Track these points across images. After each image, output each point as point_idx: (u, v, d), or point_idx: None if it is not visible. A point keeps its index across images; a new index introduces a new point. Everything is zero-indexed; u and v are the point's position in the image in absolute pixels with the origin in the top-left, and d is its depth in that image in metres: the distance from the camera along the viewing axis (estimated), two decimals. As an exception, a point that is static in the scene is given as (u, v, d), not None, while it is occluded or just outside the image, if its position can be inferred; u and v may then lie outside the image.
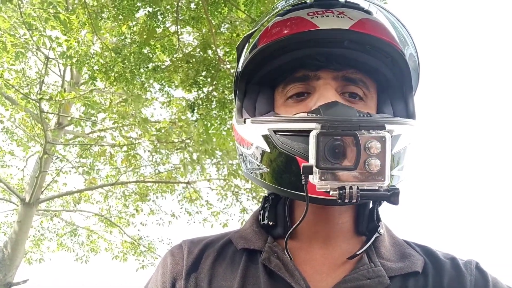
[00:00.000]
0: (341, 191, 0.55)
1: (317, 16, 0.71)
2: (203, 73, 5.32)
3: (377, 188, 0.55)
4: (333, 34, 0.70)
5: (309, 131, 0.58)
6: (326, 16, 0.70)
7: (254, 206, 7.41)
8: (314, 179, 0.56)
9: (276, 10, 0.77)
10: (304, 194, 0.59)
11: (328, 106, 0.65)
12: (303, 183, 0.57)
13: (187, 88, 5.45)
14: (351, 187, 0.54)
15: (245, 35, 0.79)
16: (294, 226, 0.63)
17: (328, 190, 0.56)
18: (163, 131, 6.05)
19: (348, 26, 0.69)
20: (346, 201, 0.54)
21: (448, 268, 0.67)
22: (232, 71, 5.24)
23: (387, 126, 0.58)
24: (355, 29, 0.69)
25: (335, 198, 0.55)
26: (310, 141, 0.57)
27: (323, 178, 0.55)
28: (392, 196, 0.56)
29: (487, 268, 0.68)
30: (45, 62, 4.97)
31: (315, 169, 0.55)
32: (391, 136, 0.57)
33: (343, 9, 0.71)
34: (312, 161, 0.55)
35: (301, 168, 0.56)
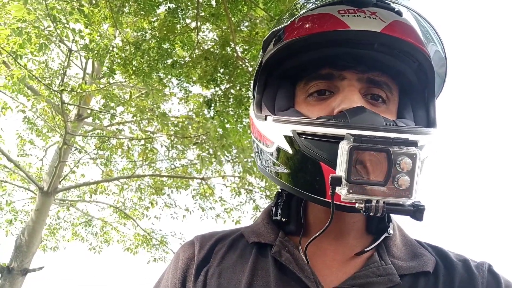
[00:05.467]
0: (367, 204, 0.54)
1: (348, 15, 0.69)
2: (221, 70, 5.34)
3: (401, 203, 0.55)
4: (364, 36, 0.68)
5: (336, 137, 0.59)
6: (357, 16, 0.69)
7: (267, 205, 7.40)
8: (341, 190, 0.55)
9: (304, 3, 0.75)
10: (324, 199, 0.60)
11: (355, 112, 0.64)
12: (330, 193, 0.56)
13: (205, 84, 5.48)
14: (377, 201, 0.54)
15: (273, 30, 0.75)
16: (316, 235, 0.62)
17: (354, 202, 0.56)
18: (180, 125, 6.10)
19: (380, 29, 0.67)
20: (371, 214, 0.54)
21: (459, 269, 0.67)
22: (250, 69, 5.24)
23: (413, 137, 0.57)
24: (386, 32, 0.68)
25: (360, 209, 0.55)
26: (340, 153, 0.56)
27: (351, 191, 0.55)
28: (417, 212, 0.55)
29: (500, 271, 0.67)
30: (68, 54, 5.05)
31: (343, 182, 0.54)
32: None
33: (374, 9, 0.69)
34: (341, 173, 0.55)
35: (329, 179, 0.55)
